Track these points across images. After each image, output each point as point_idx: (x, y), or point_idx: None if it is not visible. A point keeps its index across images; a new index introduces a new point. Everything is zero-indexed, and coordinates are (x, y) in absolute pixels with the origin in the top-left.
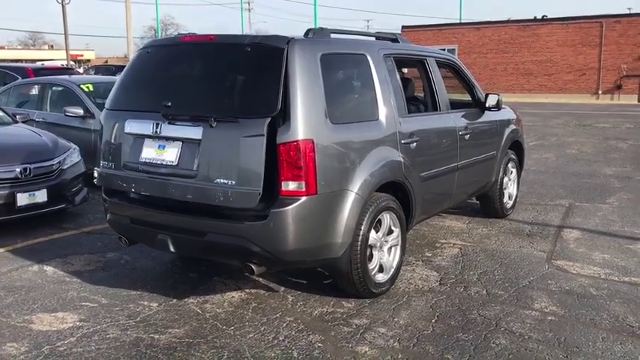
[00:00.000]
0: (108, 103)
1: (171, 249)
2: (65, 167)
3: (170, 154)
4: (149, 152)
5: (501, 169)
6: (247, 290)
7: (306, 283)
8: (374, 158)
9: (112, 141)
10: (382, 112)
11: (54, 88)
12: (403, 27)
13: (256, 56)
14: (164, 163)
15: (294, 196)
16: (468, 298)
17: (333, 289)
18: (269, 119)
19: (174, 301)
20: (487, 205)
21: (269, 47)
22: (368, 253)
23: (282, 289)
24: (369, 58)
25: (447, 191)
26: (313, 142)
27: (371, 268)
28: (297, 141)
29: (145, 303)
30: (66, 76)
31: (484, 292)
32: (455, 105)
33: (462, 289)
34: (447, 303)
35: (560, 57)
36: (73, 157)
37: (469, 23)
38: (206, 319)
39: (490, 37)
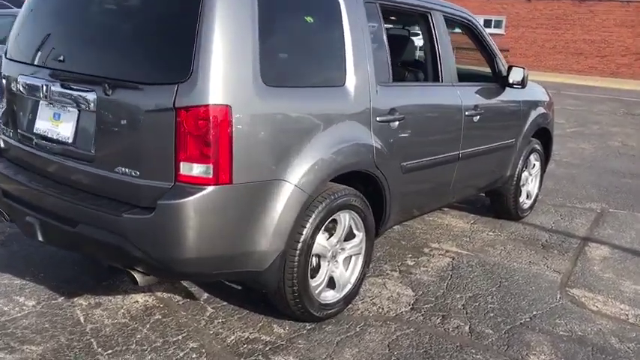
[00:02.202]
0: (6, 49)
1: (39, 237)
2: None
3: (65, 128)
4: (44, 122)
5: (520, 162)
6: (159, 294)
7: (240, 290)
8: (330, 139)
9: (11, 102)
10: (351, 76)
11: None
12: None
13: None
14: (60, 138)
15: (197, 184)
16: (443, 337)
17: (272, 305)
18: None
19: (60, 300)
20: (498, 203)
21: None
22: (313, 264)
23: (205, 296)
24: None
25: (441, 187)
26: (230, 110)
27: (315, 284)
28: (205, 106)
29: (21, 299)
30: None
31: (466, 328)
32: (466, 77)
33: (438, 321)
34: (411, 341)
35: (615, 38)
36: None
37: None
38: (83, 333)
39: (541, 11)
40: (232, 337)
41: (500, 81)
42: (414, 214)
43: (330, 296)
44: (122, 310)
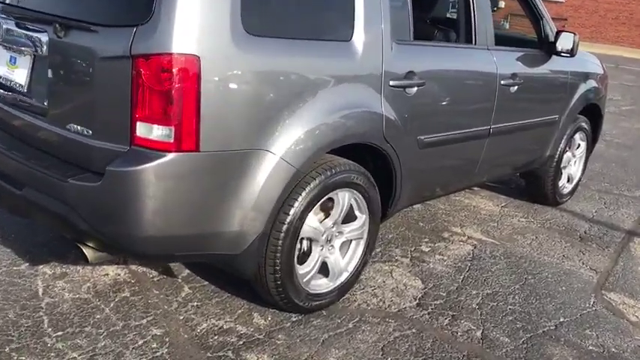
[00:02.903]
0: None
1: None
2: None
3: (20, 74)
4: (0, 66)
5: (563, 141)
6: (133, 268)
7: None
8: (327, 104)
9: None
10: (360, 30)
11: None
12: None
13: None
14: (14, 86)
15: (155, 149)
16: (449, 342)
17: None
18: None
19: (23, 267)
20: (534, 186)
21: None
22: (304, 249)
23: (185, 274)
24: None
25: (465, 166)
26: (200, 61)
27: (303, 272)
28: (168, 55)
29: None
30: None
31: (478, 333)
32: (507, 42)
33: (446, 321)
34: (410, 345)
35: None
36: None
37: None
38: (36, 308)
39: None
40: (204, 326)
41: (546, 48)
42: (432, 195)
43: (321, 285)
44: (88, 284)
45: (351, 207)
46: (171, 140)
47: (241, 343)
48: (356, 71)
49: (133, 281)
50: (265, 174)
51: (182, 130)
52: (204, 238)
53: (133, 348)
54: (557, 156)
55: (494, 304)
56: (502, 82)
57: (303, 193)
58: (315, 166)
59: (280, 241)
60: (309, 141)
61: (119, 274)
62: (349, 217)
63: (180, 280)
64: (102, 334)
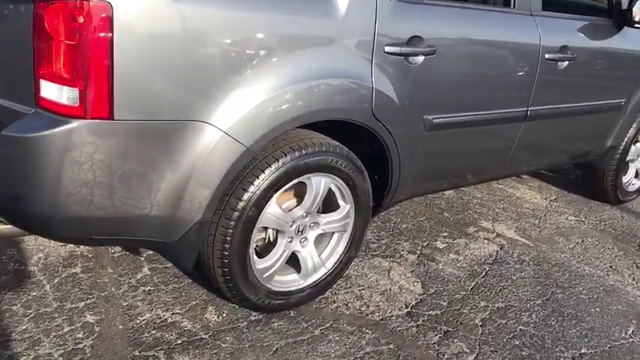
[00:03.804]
0: None
1: None
2: None
3: None
4: None
5: (631, 130)
6: None
7: None
8: (294, 69)
9: None
10: None
11: None
12: None
13: None
14: None
15: (60, 114)
16: None
17: None
18: None
19: None
20: (591, 180)
21: None
22: (269, 239)
23: (151, 252)
24: None
25: (492, 155)
26: (112, 8)
27: (263, 266)
28: None
29: None
30: None
31: (470, 359)
32: (562, 6)
33: (435, 339)
34: None
35: None
36: None
37: None
38: None
39: None
40: (146, 317)
41: (616, 17)
42: (446, 186)
43: (289, 282)
44: (40, 255)
45: (333, 195)
46: (77, 104)
47: (179, 342)
48: (336, 32)
49: (90, 255)
50: (204, 152)
51: (90, 93)
52: (125, 221)
53: (55, 336)
54: (621, 147)
55: (503, 321)
56: (547, 55)
57: (262, 176)
58: (278, 145)
59: (230, 230)
60: (263, 114)
61: (78, 246)
62: (332, 206)
63: (142, 259)
64: (28, 316)
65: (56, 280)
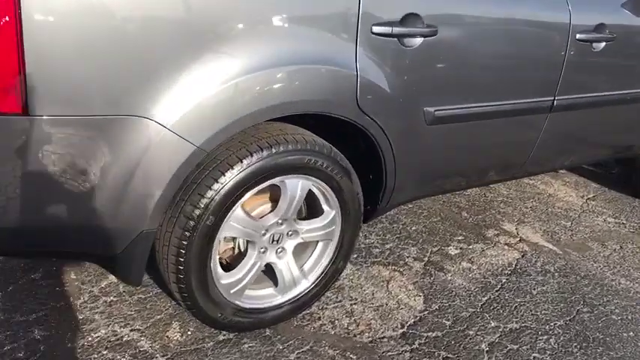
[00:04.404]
0: None
1: None
2: None
3: None
4: None
5: None
6: None
7: None
8: (255, 54)
9: None
10: None
11: None
12: None
13: None
14: None
15: None
16: None
17: None
18: None
19: None
20: (635, 177)
21: None
22: (240, 249)
23: None
24: None
25: (511, 150)
26: None
27: (230, 280)
28: None
29: None
30: None
31: None
32: None
33: None
34: None
35: None
36: None
37: None
38: None
39: None
40: (101, 333)
41: None
42: (457, 186)
43: (264, 297)
44: (0, 257)
45: (317, 199)
46: None
47: None
48: (309, 8)
49: (55, 260)
50: (144, 153)
51: None
52: (54, 231)
53: None
54: None
55: (515, 347)
56: (578, 35)
57: (222, 179)
58: (244, 143)
59: (185, 242)
60: (217, 108)
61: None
62: (316, 212)
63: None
64: None
65: (11, 288)
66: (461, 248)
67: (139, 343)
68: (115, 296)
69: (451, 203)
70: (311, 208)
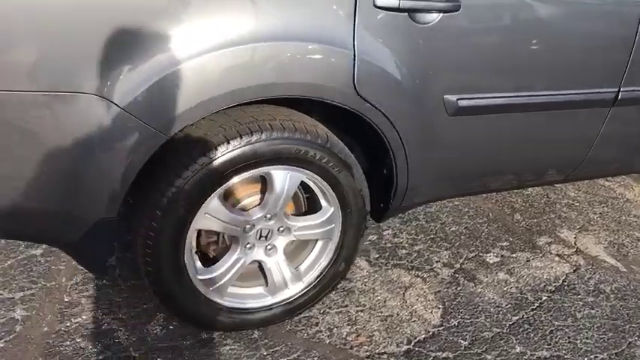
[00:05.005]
0: None
1: None
2: None
3: None
4: None
5: None
6: None
7: None
8: (235, 24)
9: None
10: None
11: None
12: None
13: None
14: None
15: None
16: None
17: None
18: None
19: None
20: None
21: None
22: (227, 242)
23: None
24: None
25: (561, 150)
26: None
27: (209, 277)
28: None
29: None
30: None
31: None
32: None
33: None
34: None
35: None
36: None
37: None
38: None
39: None
40: (81, 319)
41: None
42: (482, 189)
43: (252, 296)
44: None
45: (313, 194)
46: None
47: (101, 358)
48: None
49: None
50: (95, 133)
51: None
52: (6, 216)
53: None
54: None
55: None
56: None
57: (192, 166)
58: (224, 126)
59: (152, 233)
60: (177, 88)
61: None
62: (306, 209)
63: (116, 245)
64: None
65: (9, 263)
66: (502, 256)
67: (115, 334)
68: (108, 280)
69: (504, 203)
70: (313, 203)
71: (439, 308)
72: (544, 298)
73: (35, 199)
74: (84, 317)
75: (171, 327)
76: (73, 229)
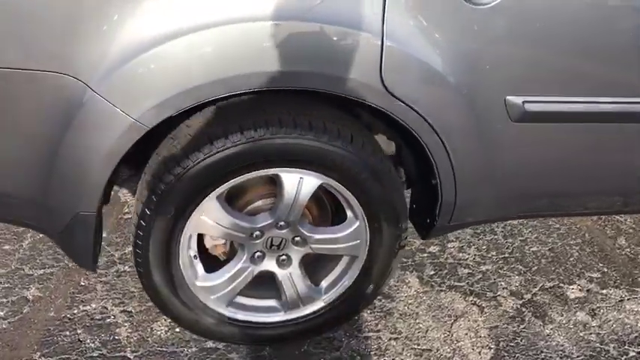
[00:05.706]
0: None
1: None
2: None
3: None
4: None
5: None
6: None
7: None
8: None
9: None
10: None
11: None
12: None
13: None
14: None
15: None
16: None
17: None
18: None
19: None
20: None
21: None
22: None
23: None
24: None
25: None
26: None
27: (209, 284)
28: None
29: None
30: None
31: None
32: None
33: None
34: None
35: None
36: None
37: None
38: None
39: None
40: (89, 307)
41: None
42: (558, 211)
43: (261, 309)
44: None
45: (337, 202)
46: None
47: (93, 355)
48: None
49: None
50: (68, 119)
51: None
52: None
53: None
54: None
55: None
56: None
57: (185, 162)
58: (226, 118)
59: (142, 233)
60: (159, 73)
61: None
62: (336, 217)
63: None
64: None
65: (40, 237)
66: (588, 290)
67: (117, 329)
68: (130, 267)
69: (608, 222)
70: (342, 213)
71: (490, 349)
72: (631, 354)
73: (9, 183)
74: (93, 305)
75: (177, 329)
76: (51, 220)
